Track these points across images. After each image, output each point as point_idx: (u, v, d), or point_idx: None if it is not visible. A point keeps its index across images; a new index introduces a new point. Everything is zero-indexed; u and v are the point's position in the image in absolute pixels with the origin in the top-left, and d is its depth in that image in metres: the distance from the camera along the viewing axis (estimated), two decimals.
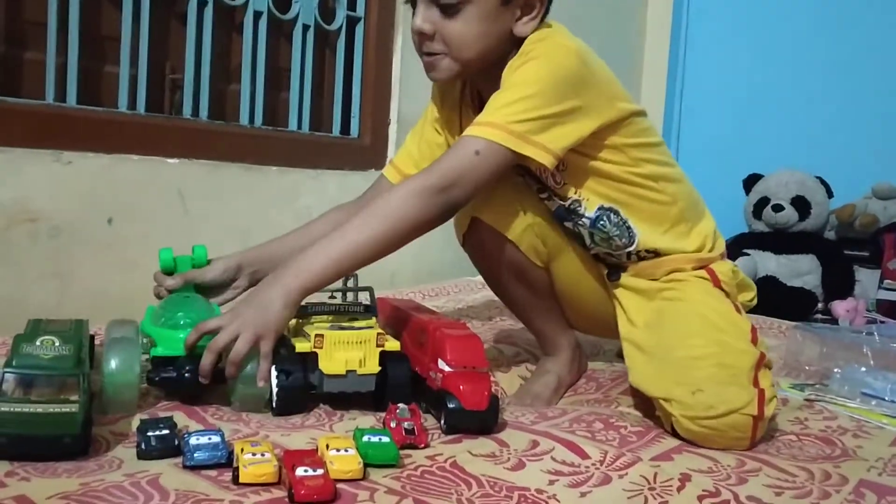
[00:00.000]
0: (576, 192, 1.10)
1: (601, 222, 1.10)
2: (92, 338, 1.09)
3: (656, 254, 1.12)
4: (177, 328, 1.00)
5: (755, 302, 1.20)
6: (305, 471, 0.72)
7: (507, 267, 1.13)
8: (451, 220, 1.11)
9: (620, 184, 1.09)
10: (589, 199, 1.10)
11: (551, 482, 0.80)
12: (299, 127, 1.87)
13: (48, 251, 1.39)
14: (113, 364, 0.91)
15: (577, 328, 1.23)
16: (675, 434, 0.95)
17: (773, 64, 2.65)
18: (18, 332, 1.00)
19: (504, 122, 1.00)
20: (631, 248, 1.12)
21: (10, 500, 0.67)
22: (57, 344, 0.80)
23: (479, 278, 1.99)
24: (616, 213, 1.10)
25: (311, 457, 0.75)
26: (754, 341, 1.01)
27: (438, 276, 2.04)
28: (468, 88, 1.17)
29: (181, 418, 0.91)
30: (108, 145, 1.47)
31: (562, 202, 1.11)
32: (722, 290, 1.09)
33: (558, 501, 0.75)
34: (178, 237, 1.53)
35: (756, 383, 0.95)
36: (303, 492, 0.70)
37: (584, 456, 0.86)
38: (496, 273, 1.16)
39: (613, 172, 1.09)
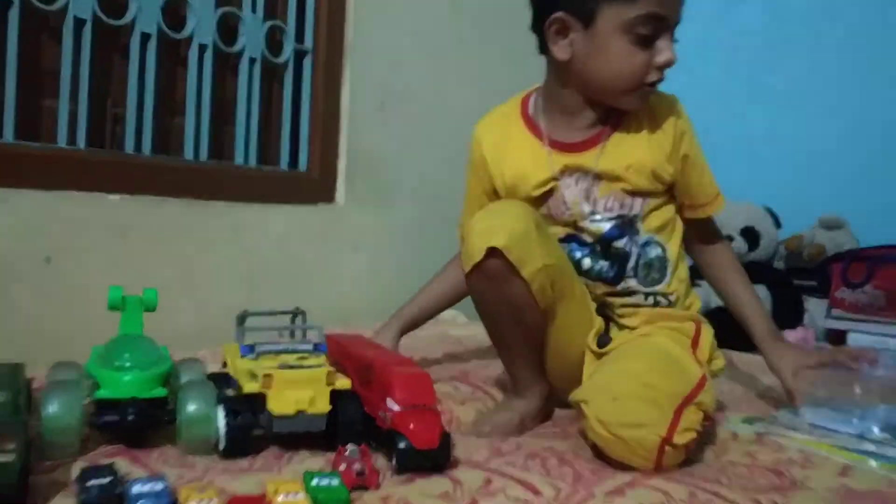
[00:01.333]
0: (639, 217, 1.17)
1: (650, 246, 1.17)
2: (29, 382, 1.05)
3: (669, 303, 1.19)
4: (122, 370, 0.97)
5: (723, 370, 1.24)
6: None
7: (510, 305, 1.10)
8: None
9: (672, 226, 1.20)
10: (646, 224, 1.18)
11: None
12: (246, 161, 1.85)
13: None
14: (51, 408, 0.88)
15: (548, 376, 1.21)
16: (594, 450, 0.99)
17: (723, 99, 2.71)
18: None
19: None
20: (659, 287, 1.18)
21: None
22: None
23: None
24: (662, 248, 1.19)
25: (259, 503, 0.73)
26: (699, 387, 1.03)
27: (390, 312, 2.02)
28: (532, 123, 1.22)
29: (124, 464, 0.88)
30: (47, 182, 1.43)
31: (621, 216, 1.16)
32: (695, 345, 1.16)
33: None
34: (120, 275, 1.49)
35: (678, 412, 0.97)
36: None
37: (538, 493, 0.85)
38: (496, 309, 1.12)
39: (669, 216, 1.20)
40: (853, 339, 1.95)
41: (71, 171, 1.48)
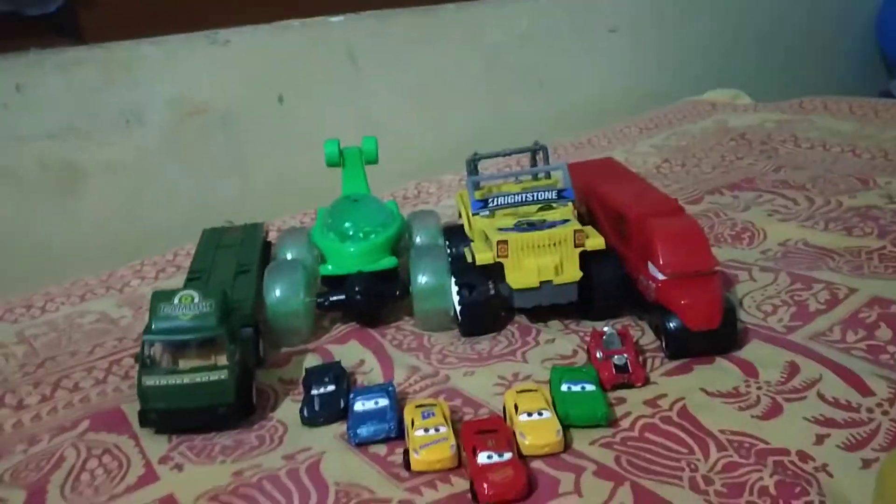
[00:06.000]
0: None
1: None
2: (269, 245, 1.00)
3: None
4: (345, 240, 0.87)
5: None
6: (489, 456, 0.57)
7: None
8: None
9: None
10: None
11: (819, 440, 0.59)
12: None
13: (223, 143, 1.30)
14: (275, 293, 0.81)
15: None
16: None
17: None
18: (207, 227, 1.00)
19: None
20: None
21: (156, 501, 0.59)
22: (196, 300, 0.68)
23: (710, 96, 1.69)
24: None
25: (496, 431, 0.60)
26: None
27: (654, 100, 1.74)
28: None
29: (355, 349, 0.80)
30: (264, 14, 1.32)
31: None
32: None
33: (831, 476, 0.55)
34: (356, 102, 1.39)
35: None
36: (488, 490, 0.55)
37: (867, 391, 0.63)
38: None
39: None
40: None
41: None
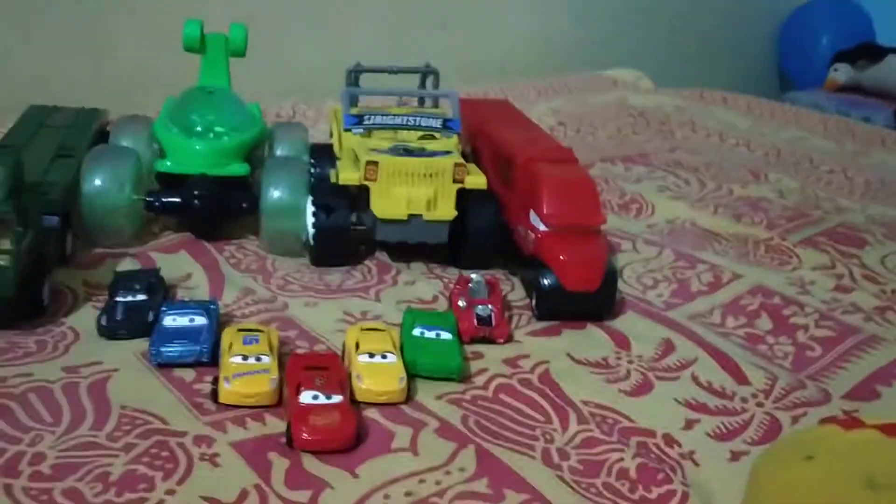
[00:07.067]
0: None
1: None
2: (106, 134, 0.85)
3: None
4: (191, 135, 0.74)
5: None
6: (315, 396, 0.47)
7: None
8: None
9: None
10: None
11: (688, 424, 0.52)
12: None
13: (75, 17, 1.13)
14: (94, 182, 0.68)
15: None
16: None
17: None
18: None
19: None
20: None
21: None
22: None
23: (612, 73, 1.64)
24: None
25: (328, 369, 0.50)
26: None
27: (560, 65, 1.67)
28: None
29: (184, 261, 0.69)
30: None
31: None
32: None
33: (697, 466, 0.49)
34: (239, 5, 1.25)
35: None
36: (306, 435, 0.45)
37: (742, 380, 0.58)
38: None
39: None
40: None
41: None
